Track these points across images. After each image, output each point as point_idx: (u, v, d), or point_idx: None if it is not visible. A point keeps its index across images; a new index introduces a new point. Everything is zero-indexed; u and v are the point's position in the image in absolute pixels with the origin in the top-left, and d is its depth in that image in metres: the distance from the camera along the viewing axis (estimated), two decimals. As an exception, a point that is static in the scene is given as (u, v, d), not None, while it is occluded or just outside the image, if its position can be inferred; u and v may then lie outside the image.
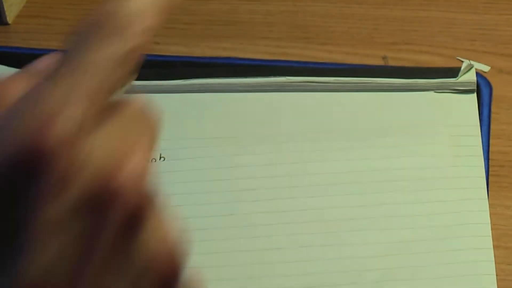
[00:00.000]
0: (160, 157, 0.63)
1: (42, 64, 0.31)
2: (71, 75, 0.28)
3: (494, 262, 0.56)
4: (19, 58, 0.72)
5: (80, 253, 0.28)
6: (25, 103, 0.27)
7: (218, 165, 0.63)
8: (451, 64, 0.70)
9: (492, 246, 0.57)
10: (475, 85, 0.67)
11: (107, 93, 0.29)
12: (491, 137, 0.64)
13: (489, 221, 0.59)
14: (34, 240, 0.27)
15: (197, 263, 0.32)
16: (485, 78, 0.69)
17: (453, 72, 0.68)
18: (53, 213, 0.27)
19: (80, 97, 0.27)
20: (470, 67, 0.68)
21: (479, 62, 0.71)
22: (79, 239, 0.28)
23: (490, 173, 0.62)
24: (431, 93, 0.67)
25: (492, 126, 0.65)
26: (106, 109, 0.29)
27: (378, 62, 0.72)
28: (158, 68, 0.71)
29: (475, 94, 0.67)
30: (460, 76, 0.67)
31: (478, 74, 0.68)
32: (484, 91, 0.67)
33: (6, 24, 0.78)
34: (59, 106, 0.27)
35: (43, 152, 0.26)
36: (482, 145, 0.63)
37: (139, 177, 0.28)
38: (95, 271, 0.29)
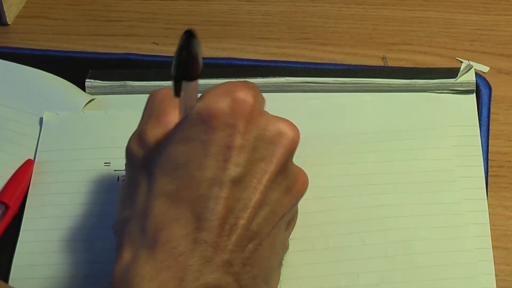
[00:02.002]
0: None
1: None
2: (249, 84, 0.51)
3: (493, 262, 0.56)
4: (19, 59, 0.72)
5: (260, 169, 0.49)
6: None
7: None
8: (451, 64, 0.70)
9: (491, 246, 0.57)
10: (475, 86, 0.67)
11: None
12: (490, 137, 0.64)
13: (488, 221, 0.59)
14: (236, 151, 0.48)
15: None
16: (484, 79, 0.69)
17: (453, 72, 0.68)
18: (245, 137, 0.48)
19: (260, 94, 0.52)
20: (469, 68, 0.67)
21: (478, 62, 0.71)
22: (260, 160, 0.49)
23: (489, 173, 0.62)
24: (430, 93, 0.67)
25: (491, 127, 0.65)
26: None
27: (378, 62, 0.72)
28: (158, 68, 0.71)
29: (474, 95, 0.67)
30: (460, 77, 0.67)
31: (478, 74, 0.68)
32: (484, 91, 0.67)
33: (6, 24, 0.78)
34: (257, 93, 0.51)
35: (252, 104, 0.49)
36: (482, 146, 0.63)
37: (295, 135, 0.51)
38: (266, 180, 0.48)
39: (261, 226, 0.49)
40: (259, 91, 0.53)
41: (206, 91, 0.50)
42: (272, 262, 0.51)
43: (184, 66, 0.47)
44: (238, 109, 0.49)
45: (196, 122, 0.49)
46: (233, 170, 0.48)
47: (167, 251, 0.46)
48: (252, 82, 0.54)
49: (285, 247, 0.54)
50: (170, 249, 0.46)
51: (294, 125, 0.51)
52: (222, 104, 0.49)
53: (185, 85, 0.49)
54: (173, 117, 0.52)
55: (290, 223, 0.55)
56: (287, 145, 0.50)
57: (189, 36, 0.45)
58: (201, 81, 0.68)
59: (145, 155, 0.51)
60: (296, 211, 0.56)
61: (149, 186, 0.49)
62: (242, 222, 0.47)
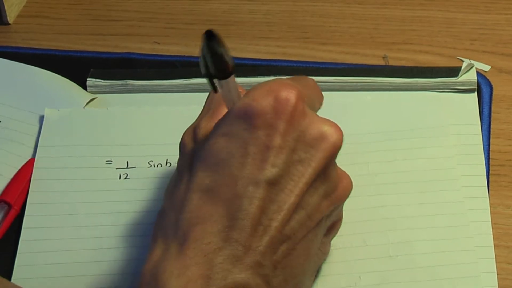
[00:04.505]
0: (167, 163, 0.63)
1: None
2: (297, 81, 0.50)
3: (495, 261, 0.56)
4: (20, 58, 0.72)
5: (298, 172, 0.48)
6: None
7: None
8: (452, 63, 0.70)
9: (492, 245, 0.57)
10: (476, 85, 0.67)
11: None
12: (491, 136, 0.64)
13: (489, 219, 0.59)
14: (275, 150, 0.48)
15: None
16: (485, 78, 0.69)
17: (454, 71, 0.68)
18: (284, 138, 0.48)
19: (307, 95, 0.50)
20: (470, 67, 0.68)
21: (479, 61, 0.71)
22: (298, 163, 0.48)
23: (490, 172, 0.62)
24: (432, 92, 0.67)
25: (492, 126, 0.65)
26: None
27: (378, 61, 0.72)
28: (158, 68, 0.71)
29: (475, 94, 0.67)
30: (461, 76, 0.67)
31: (479, 73, 0.68)
32: (485, 90, 0.67)
33: (7, 24, 0.78)
34: (303, 92, 0.49)
35: (295, 103, 0.48)
36: (483, 144, 0.63)
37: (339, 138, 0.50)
38: (303, 183, 0.48)
39: (295, 230, 0.48)
40: (311, 89, 0.52)
41: (252, 87, 0.50)
42: (305, 267, 0.50)
43: (212, 66, 0.47)
44: (279, 109, 0.48)
45: (237, 119, 0.49)
46: (270, 171, 0.47)
47: (198, 247, 0.46)
48: (308, 80, 0.54)
49: (322, 254, 0.54)
50: (201, 246, 0.46)
51: (338, 128, 0.50)
52: (264, 102, 0.48)
53: (219, 83, 0.48)
54: None
55: (332, 228, 0.54)
56: (327, 149, 0.49)
57: (209, 37, 0.45)
58: (202, 81, 0.68)
59: (193, 148, 0.51)
60: (340, 217, 0.55)
61: (189, 179, 0.49)
62: (275, 224, 0.47)
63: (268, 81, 0.50)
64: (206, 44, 0.45)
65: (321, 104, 0.55)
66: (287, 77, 0.66)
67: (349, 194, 0.52)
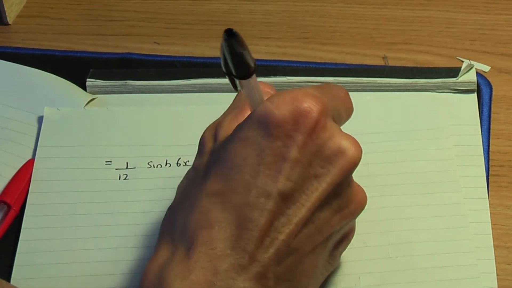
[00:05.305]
0: (166, 164, 0.63)
1: None
2: (325, 92, 0.49)
3: (494, 261, 0.56)
4: (19, 58, 0.72)
5: (312, 187, 0.47)
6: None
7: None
8: (451, 64, 0.70)
9: (492, 245, 0.57)
10: (475, 85, 0.67)
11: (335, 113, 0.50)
12: (491, 137, 0.64)
13: (489, 220, 0.59)
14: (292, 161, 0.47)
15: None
16: (485, 78, 0.69)
17: (453, 72, 0.68)
18: (302, 151, 0.47)
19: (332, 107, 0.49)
20: (470, 67, 0.68)
21: (479, 62, 0.71)
22: (313, 177, 0.47)
23: (490, 173, 0.62)
24: (431, 93, 0.67)
25: (492, 126, 0.65)
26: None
27: (378, 62, 0.72)
28: (158, 68, 0.71)
29: (475, 94, 0.67)
30: (460, 76, 0.67)
31: (478, 74, 0.68)
32: (484, 91, 0.67)
33: (7, 24, 0.78)
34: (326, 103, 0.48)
35: (315, 115, 0.47)
36: (482, 145, 0.63)
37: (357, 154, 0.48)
38: (316, 198, 0.47)
39: (303, 244, 0.48)
40: (339, 100, 0.51)
41: (275, 93, 0.49)
42: (310, 280, 0.50)
43: (232, 65, 0.46)
44: (300, 121, 0.47)
45: (257, 125, 0.48)
46: (283, 184, 0.46)
47: (204, 251, 0.45)
48: (339, 90, 0.52)
49: (331, 266, 0.53)
50: (207, 250, 0.45)
51: (357, 144, 0.49)
52: (285, 112, 0.47)
53: (239, 82, 0.47)
54: None
55: (342, 241, 0.53)
56: (344, 165, 0.48)
57: (228, 36, 0.44)
58: (202, 81, 0.69)
59: (212, 148, 0.51)
60: (352, 229, 0.54)
61: (203, 180, 0.49)
62: (282, 237, 0.46)
63: (294, 89, 0.49)
64: (226, 43, 0.44)
65: (349, 116, 0.53)
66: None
67: (362, 209, 0.51)
